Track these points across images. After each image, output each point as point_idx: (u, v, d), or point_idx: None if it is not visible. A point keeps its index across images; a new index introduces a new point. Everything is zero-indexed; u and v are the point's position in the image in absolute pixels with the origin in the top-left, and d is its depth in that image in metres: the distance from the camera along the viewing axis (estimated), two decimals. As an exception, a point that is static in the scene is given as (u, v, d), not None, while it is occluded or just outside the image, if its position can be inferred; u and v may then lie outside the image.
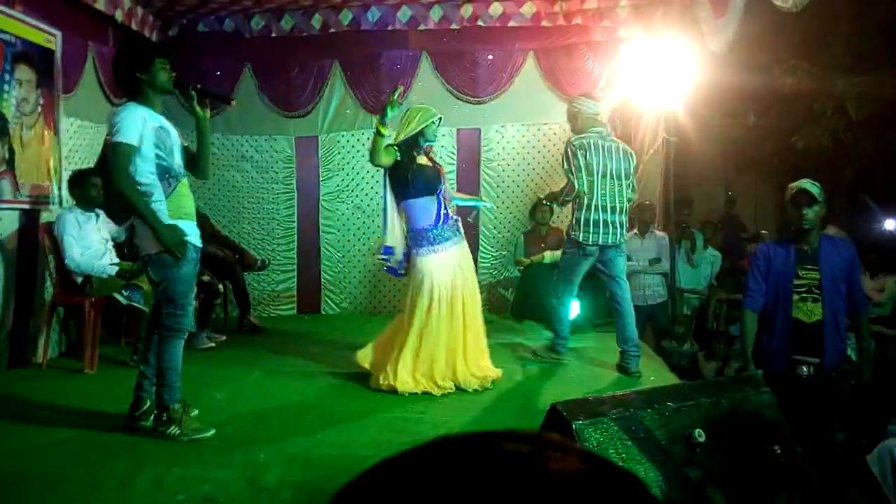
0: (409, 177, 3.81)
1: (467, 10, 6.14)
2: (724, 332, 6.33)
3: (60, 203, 4.69)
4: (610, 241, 4.09)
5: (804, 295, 3.29)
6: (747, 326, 3.39)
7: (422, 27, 6.21)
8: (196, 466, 2.78)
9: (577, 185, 4.03)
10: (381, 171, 4.49)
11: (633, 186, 4.24)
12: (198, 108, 3.20)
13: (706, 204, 11.19)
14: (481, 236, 6.46)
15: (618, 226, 4.12)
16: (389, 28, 6.20)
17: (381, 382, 3.78)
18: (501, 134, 6.43)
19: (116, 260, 4.66)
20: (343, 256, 6.54)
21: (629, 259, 5.98)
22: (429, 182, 3.86)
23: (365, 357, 4.02)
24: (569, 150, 4.08)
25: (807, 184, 3.33)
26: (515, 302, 6.15)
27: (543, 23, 6.14)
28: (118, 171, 2.94)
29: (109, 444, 3.04)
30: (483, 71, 6.29)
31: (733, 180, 12.16)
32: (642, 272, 5.87)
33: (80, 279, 4.50)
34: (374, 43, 6.27)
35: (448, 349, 3.79)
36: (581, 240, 4.08)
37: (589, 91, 5.07)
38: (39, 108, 4.51)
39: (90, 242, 4.52)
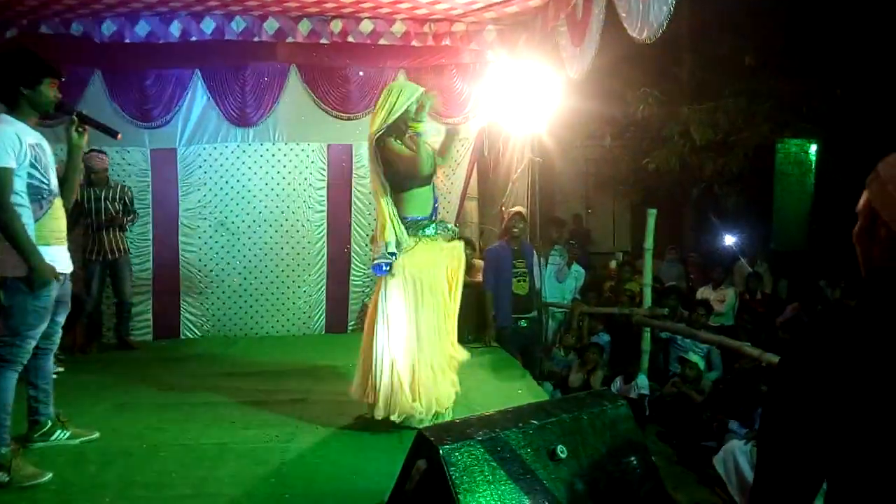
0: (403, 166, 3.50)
1: (337, 26, 6.06)
2: (594, 343, 6.59)
3: None
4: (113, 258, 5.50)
5: (519, 277, 5.21)
6: (488, 301, 5.24)
7: (290, 40, 6.05)
8: (28, 518, 2.48)
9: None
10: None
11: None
12: (74, 135, 3.09)
13: (570, 222, 11.79)
14: (353, 254, 6.37)
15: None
16: (255, 39, 5.99)
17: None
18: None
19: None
20: (206, 276, 6.19)
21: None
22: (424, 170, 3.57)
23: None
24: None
25: (519, 208, 5.49)
26: None
27: (413, 42, 6.19)
28: None
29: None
30: (354, 87, 6.22)
31: (593, 199, 12.89)
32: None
33: None
34: (238, 53, 6.02)
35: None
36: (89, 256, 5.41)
37: None
38: None
39: None
